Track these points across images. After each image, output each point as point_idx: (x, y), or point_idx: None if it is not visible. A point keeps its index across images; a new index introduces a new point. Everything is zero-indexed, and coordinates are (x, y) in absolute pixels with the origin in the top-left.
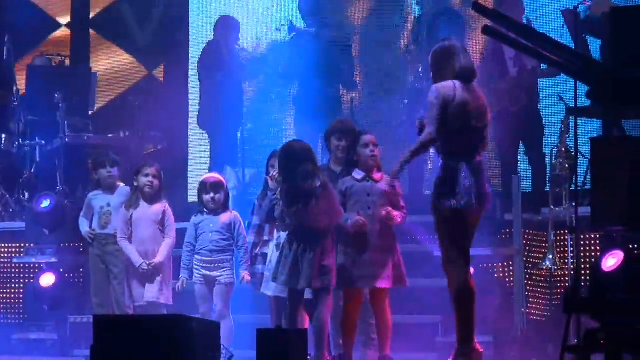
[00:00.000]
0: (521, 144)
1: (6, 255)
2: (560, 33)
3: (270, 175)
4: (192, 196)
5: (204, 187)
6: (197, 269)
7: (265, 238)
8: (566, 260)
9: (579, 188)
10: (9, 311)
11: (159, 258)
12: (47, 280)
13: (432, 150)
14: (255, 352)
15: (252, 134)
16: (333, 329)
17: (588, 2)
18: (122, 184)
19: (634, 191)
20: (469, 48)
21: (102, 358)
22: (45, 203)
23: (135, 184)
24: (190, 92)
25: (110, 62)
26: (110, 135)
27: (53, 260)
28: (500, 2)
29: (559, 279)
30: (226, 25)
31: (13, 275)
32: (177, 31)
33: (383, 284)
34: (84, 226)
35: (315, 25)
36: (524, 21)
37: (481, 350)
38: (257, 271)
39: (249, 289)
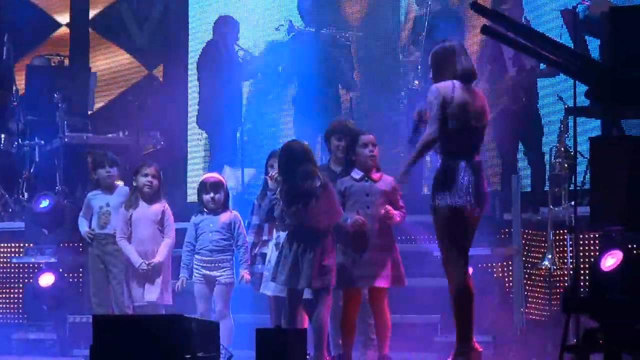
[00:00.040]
0: (520, 143)
1: (5, 255)
2: (559, 33)
3: (270, 175)
4: (191, 195)
5: (203, 187)
6: (197, 269)
7: (265, 238)
8: (565, 260)
9: (578, 188)
10: (8, 311)
11: (158, 258)
12: (47, 280)
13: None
14: (255, 352)
15: (251, 133)
16: (332, 328)
17: (587, 1)
18: (121, 184)
19: (633, 191)
20: (468, 48)
21: (102, 358)
22: (45, 203)
23: (134, 184)
24: (190, 92)
25: (110, 62)
26: (109, 135)
27: (52, 260)
28: (501, 1)
29: (558, 278)
30: (225, 25)
31: (12, 275)
32: (177, 31)
33: (382, 283)
34: (83, 226)
35: (314, 25)
36: (523, 21)
37: (480, 349)
38: (256, 271)
39: (249, 289)
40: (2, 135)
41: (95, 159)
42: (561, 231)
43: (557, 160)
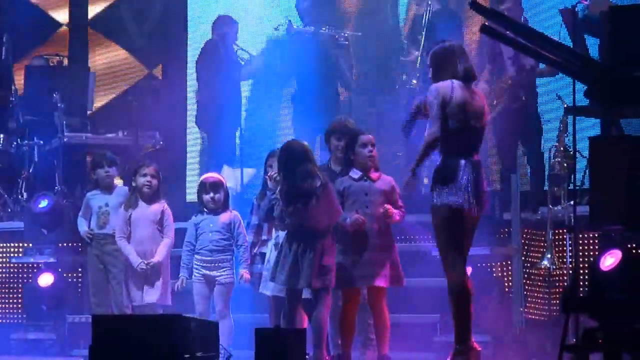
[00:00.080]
0: (519, 143)
1: (5, 255)
2: (558, 32)
3: (269, 175)
4: (191, 194)
5: (203, 187)
6: (197, 269)
7: (264, 237)
8: (564, 260)
9: (578, 187)
10: (7, 311)
11: (157, 258)
12: (46, 280)
13: None
14: (254, 351)
15: (250, 133)
16: (332, 328)
17: (586, 1)
18: (120, 184)
19: (632, 190)
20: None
21: (101, 358)
22: (44, 203)
23: (134, 184)
24: (189, 92)
25: (109, 61)
26: (108, 135)
27: (51, 260)
28: (500, 1)
29: (557, 278)
30: (224, 25)
31: (12, 275)
32: (176, 31)
33: (381, 282)
34: (82, 226)
35: (313, 25)
36: (522, 20)
37: (479, 349)
38: (255, 271)
39: (248, 289)
40: (1, 135)
41: (94, 159)
42: (560, 231)
43: (557, 159)
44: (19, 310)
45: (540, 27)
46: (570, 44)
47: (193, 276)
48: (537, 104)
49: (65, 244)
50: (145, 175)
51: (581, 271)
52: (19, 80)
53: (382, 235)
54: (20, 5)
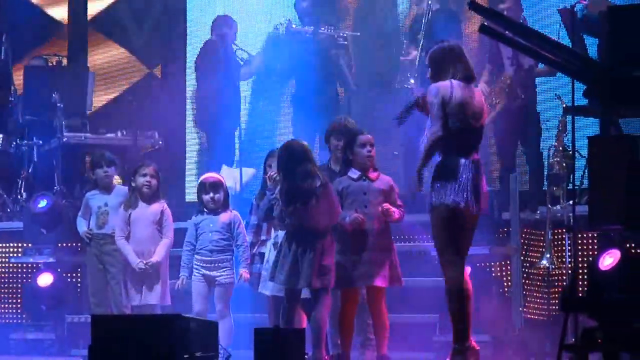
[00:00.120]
0: (519, 142)
1: (4, 255)
2: (557, 32)
3: (268, 175)
4: (190, 194)
5: (203, 187)
6: (197, 269)
7: (263, 237)
8: (563, 259)
9: (577, 187)
10: (6, 311)
11: (155, 257)
12: (45, 280)
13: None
14: (253, 351)
15: (249, 133)
16: (331, 328)
17: (585, 0)
18: (119, 184)
19: (632, 190)
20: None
21: (100, 358)
22: (43, 203)
23: (133, 184)
24: (188, 92)
25: (108, 61)
26: (107, 135)
27: (51, 260)
28: (499, 0)
29: (556, 277)
30: (223, 25)
31: (11, 275)
32: (175, 30)
33: (380, 282)
34: (81, 226)
35: (312, 24)
36: (521, 20)
37: (477, 348)
38: (255, 270)
39: (247, 289)
40: (1, 135)
41: (92, 159)
42: (559, 230)
43: (556, 159)
44: (18, 310)
45: (539, 26)
46: (569, 44)
47: (193, 276)
48: (536, 104)
49: (64, 244)
50: (144, 175)
51: (580, 271)
52: (18, 80)
53: (381, 234)
54: (20, 5)
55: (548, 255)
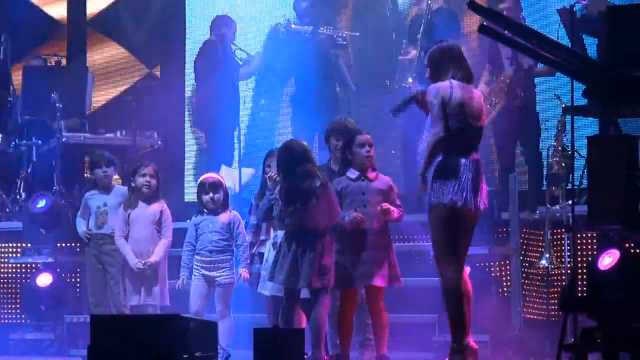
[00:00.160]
0: (518, 142)
1: (3, 255)
2: (556, 32)
3: (268, 175)
4: (189, 194)
5: (202, 187)
6: (196, 269)
7: (262, 237)
8: (563, 259)
9: (576, 187)
10: (6, 311)
11: (154, 257)
12: (44, 280)
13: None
14: (252, 351)
15: (248, 133)
16: (330, 328)
17: (584, 0)
18: (118, 184)
19: (630, 190)
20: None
21: (99, 358)
22: (42, 203)
23: (133, 184)
24: (187, 92)
25: (108, 61)
26: (106, 135)
27: (50, 260)
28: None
29: (555, 277)
30: (222, 25)
31: (10, 275)
32: (175, 30)
33: (379, 282)
34: (80, 226)
35: (311, 24)
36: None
37: (476, 347)
38: (254, 270)
39: (247, 289)
40: (0, 135)
41: (92, 159)
42: (559, 230)
43: (555, 159)
44: (18, 311)
45: (539, 26)
46: (569, 44)
47: (192, 276)
48: (535, 104)
49: (63, 244)
50: (144, 175)
51: (579, 271)
52: (17, 80)
53: (380, 234)
54: (19, 5)
55: (547, 255)
